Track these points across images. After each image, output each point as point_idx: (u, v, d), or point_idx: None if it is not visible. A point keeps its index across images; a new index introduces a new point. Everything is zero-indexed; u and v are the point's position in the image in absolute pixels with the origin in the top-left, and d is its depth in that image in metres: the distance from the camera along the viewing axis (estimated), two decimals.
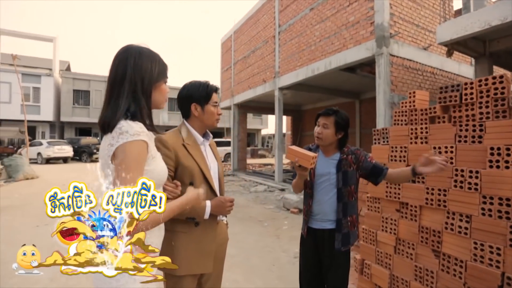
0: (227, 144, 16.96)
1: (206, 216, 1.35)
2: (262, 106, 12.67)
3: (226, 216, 1.69)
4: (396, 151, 2.36)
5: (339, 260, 1.72)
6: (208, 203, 1.37)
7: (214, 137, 1.65)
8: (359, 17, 5.78)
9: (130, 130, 0.91)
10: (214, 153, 1.58)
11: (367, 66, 6.55)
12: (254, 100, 11.63)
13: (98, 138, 18.75)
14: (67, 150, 15.78)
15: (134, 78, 0.98)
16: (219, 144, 16.98)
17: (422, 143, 2.20)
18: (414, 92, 2.35)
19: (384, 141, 2.52)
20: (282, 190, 8.10)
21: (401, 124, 2.40)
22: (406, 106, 2.41)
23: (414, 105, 2.35)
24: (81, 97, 20.71)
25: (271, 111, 10.93)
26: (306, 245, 1.84)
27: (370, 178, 1.75)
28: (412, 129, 2.27)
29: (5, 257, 3.20)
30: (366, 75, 6.98)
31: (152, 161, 0.99)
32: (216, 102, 1.48)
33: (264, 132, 31.63)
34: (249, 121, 28.56)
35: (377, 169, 1.72)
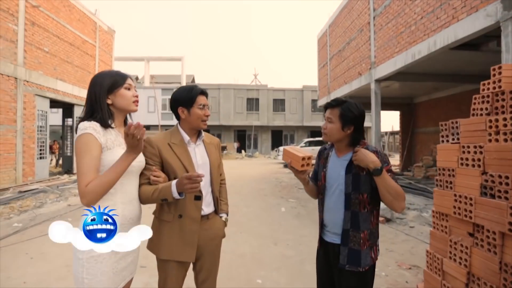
0: (323, 143, 16.31)
1: (174, 194, 1.32)
2: (362, 101, 11.50)
3: (227, 214, 1.71)
4: (469, 152, 1.70)
5: (350, 283, 1.43)
6: (174, 182, 1.35)
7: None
8: None
9: (81, 126, 1.17)
10: (208, 152, 1.61)
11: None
12: (352, 96, 10.68)
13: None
14: None
15: (91, 94, 1.25)
16: (313, 143, 16.59)
17: (506, 140, 1.50)
18: (500, 67, 1.62)
19: (453, 138, 1.86)
20: None
21: (480, 115, 1.71)
22: (488, 89, 1.70)
23: (500, 86, 1.62)
24: None
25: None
26: (319, 259, 1.63)
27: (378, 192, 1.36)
28: (491, 121, 1.58)
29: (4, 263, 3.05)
30: (499, 51, 5.24)
31: (106, 152, 1.19)
32: (202, 105, 1.51)
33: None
34: None
35: None
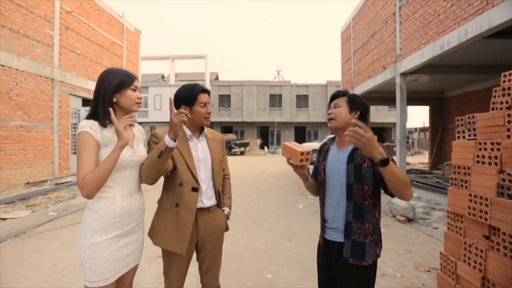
0: None
1: (167, 141, 1.29)
2: (387, 96, 11.03)
3: (230, 208, 1.75)
4: (485, 149, 1.59)
5: (352, 279, 1.40)
6: (166, 135, 1.34)
7: None
8: None
9: (80, 125, 1.25)
10: (211, 147, 1.65)
11: None
12: (377, 91, 10.31)
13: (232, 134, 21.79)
14: None
15: (99, 90, 1.31)
16: None
17: None
18: None
19: (470, 134, 1.75)
20: None
21: (499, 109, 1.59)
22: (509, 80, 1.57)
23: None
24: (224, 100, 25.07)
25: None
26: (319, 256, 1.62)
27: (382, 184, 1.32)
28: (510, 115, 1.46)
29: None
30: None
31: (103, 148, 1.26)
32: (204, 103, 1.56)
33: None
34: (384, 114, 25.56)
35: None
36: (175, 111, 1.29)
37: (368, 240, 1.35)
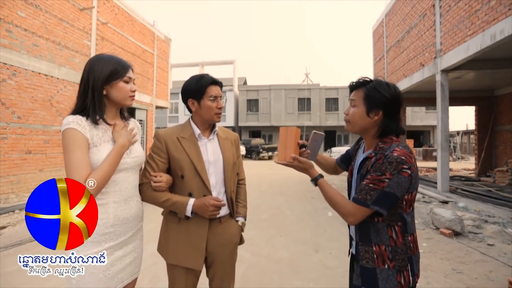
0: None
1: (188, 213, 1.30)
2: (426, 96, 10.20)
3: (244, 218, 1.54)
4: None
5: None
6: (191, 201, 1.30)
7: None
8: None
9: (65, 121, 1.08)
10: (222, 148, 1.46)
11: None
12: (413, 91, 9.58)
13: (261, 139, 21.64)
14: (241, 150, 19.50)
15: (87, 78, 1.14)
16: None
17: None
18: None
19: None
20: (445, 202, 6.15)
21: None
22: None
23: None
24: (252, 105, 25.06)
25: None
26: (349, 272, 1.36)
27: None
28: None
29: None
30: None
31: (93, 149, 1.09)
32: (213, 96, 1.37)
33: None
34: (421, 117, 23.89)
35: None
36: (212, 208, 1.30)
37: (386, 266, 1.07)
